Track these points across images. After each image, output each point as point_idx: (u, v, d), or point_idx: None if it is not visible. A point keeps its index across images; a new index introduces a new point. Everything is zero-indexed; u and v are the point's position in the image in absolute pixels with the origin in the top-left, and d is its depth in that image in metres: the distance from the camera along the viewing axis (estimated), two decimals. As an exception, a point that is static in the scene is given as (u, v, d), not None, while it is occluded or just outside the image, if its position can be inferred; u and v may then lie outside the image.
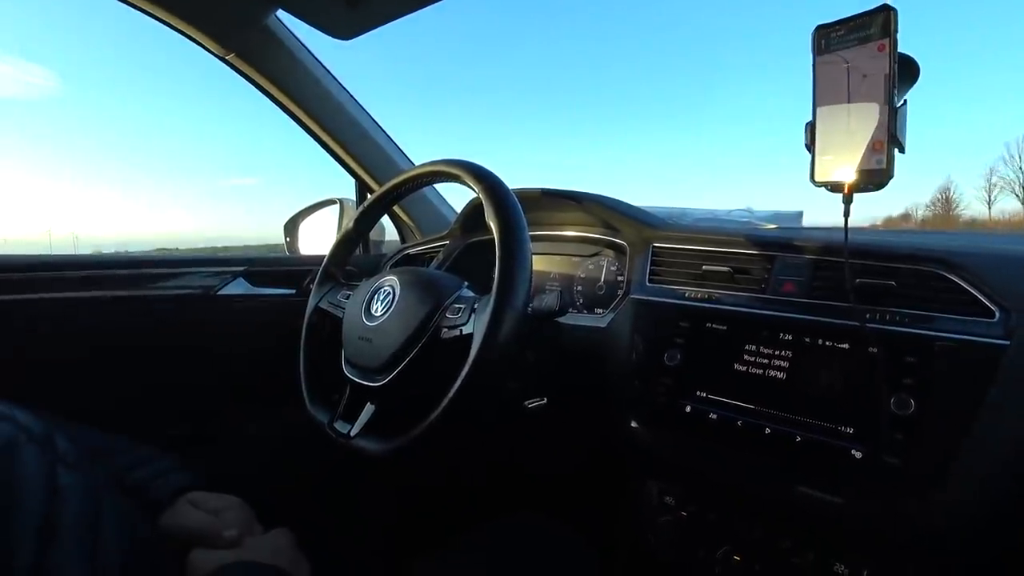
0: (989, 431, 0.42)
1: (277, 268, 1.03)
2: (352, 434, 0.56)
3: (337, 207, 1.12)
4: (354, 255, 0.80)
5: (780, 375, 0.53)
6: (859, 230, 0.65)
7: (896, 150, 0.42)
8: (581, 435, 0.78)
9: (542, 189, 0.80)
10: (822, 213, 0.81)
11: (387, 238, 1.23)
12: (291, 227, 1.19)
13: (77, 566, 0.29)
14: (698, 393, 0.58)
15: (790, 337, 0.54)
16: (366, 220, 0.74)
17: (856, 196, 0.45)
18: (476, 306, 0.52)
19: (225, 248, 1.24)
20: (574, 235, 0.84)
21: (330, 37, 0.89)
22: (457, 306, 0.55)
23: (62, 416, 0.40)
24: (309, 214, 1.19)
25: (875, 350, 0.47)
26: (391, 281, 0.60)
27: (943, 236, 0.66)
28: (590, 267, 0.83)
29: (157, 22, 0.90)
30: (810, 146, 0.46)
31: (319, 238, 1.15)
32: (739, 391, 0.55)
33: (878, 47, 0.42)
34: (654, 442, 0.61)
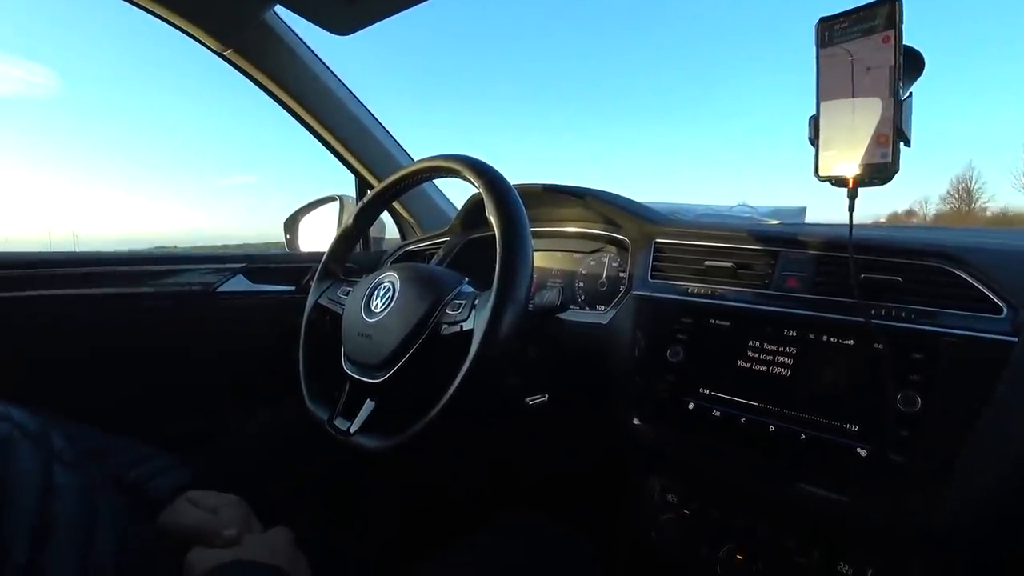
0: (996, 428, 0.42)
1: (277, 265, 1.03)
2: (352, 431, 0.56)
3: (337, 204, 1.12)
4: (354, 252, 0.79)
5: (784, 372, 0.53)
6: (863, 227, 0.64)
7: (902, 144, 0.42)
8: (583, 432, 0.77)
9: (543, 185, 0.80)
10: (825, 210, 0.80)
11: (387, 235, 1.23)
12: (291, 224, 1.19)
13: (71, 564, 0.29)
14: (701, 390, 0.57)
15: (794, 333, 0.53)
16: (366, 216, 0.74)
17: (860, 192, 0.44)
18: (477, 302, 0.52)
19: (224, 247, 1.24)
20: (575, 231, 0.84)
21: (328, 33, 0.89)
22: (457, 302, 0.54)
23: (60, 413, 0.39)
24: (309, 211, 1.18)
25: (880, 346, 0.47)
26: (391, 277, 0.60)
27: (952, 232, 0.65)
28: (592, 263, 0.82)
29: (156, 19, 0.90)
30: (814, 140, 0.46)
31: (319, 235, 1.15)
32: (742, 388, 0.55)
33: (883, 39, 0.42)
34: (656, 439, 0.61)
